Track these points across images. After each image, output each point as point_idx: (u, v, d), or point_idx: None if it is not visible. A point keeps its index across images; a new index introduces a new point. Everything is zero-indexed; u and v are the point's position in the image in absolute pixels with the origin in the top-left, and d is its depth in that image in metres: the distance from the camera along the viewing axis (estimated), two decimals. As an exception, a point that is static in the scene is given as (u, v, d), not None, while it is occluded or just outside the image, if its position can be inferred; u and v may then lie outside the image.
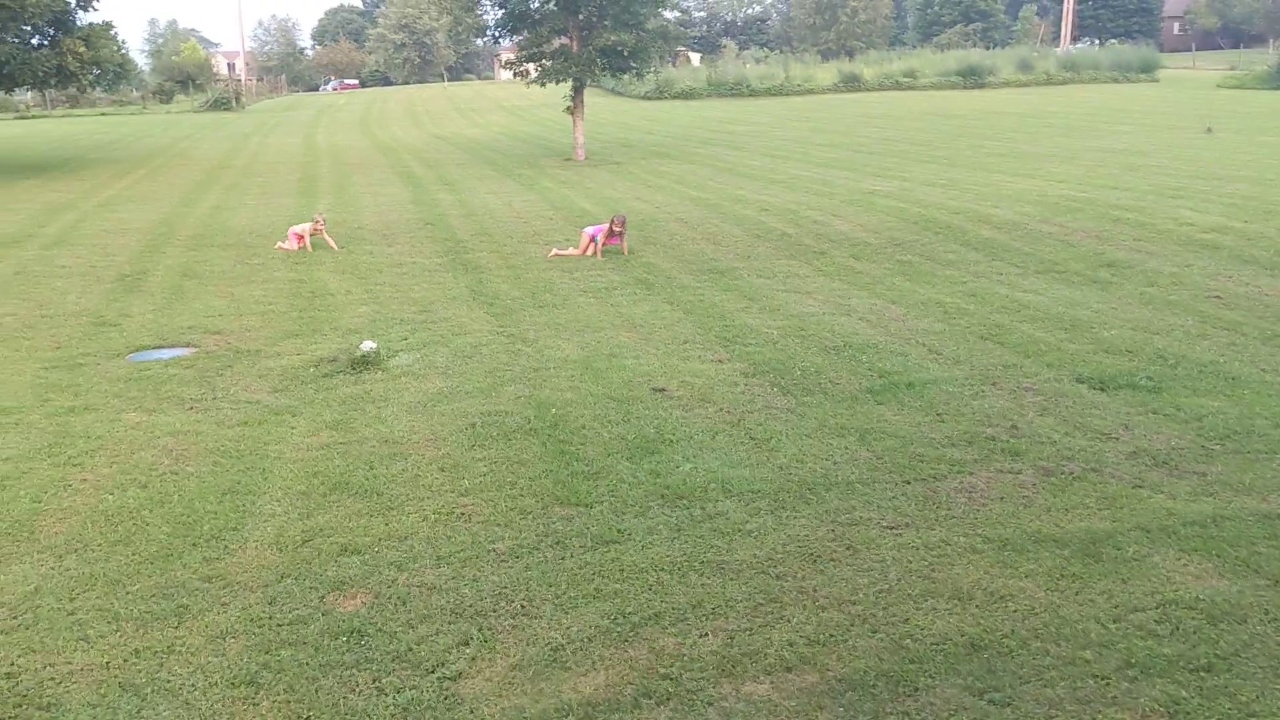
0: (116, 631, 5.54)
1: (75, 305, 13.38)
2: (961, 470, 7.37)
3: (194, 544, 6.51)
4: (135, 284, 14.60)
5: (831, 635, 5.29)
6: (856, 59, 72.45)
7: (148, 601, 5.84)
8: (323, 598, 5.83)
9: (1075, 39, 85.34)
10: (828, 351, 10.40)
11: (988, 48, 78.16)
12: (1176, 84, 57.32)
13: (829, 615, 5.48)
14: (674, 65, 70.28)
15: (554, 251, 15.90)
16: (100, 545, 6.55)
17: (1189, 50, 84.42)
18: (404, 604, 5.72)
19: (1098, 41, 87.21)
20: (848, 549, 6.23)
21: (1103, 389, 9.04)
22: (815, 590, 5.74)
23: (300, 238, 16.90)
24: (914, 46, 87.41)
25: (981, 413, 8.53)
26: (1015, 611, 5.44)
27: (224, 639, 5.44)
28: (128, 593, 5.95)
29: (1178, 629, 5.23)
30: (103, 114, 64.26)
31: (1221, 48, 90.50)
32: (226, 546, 6.48)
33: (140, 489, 7.40)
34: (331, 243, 17.03)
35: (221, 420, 8.86)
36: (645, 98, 56.66)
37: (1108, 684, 4.84)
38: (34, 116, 62.61)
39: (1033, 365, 9.78)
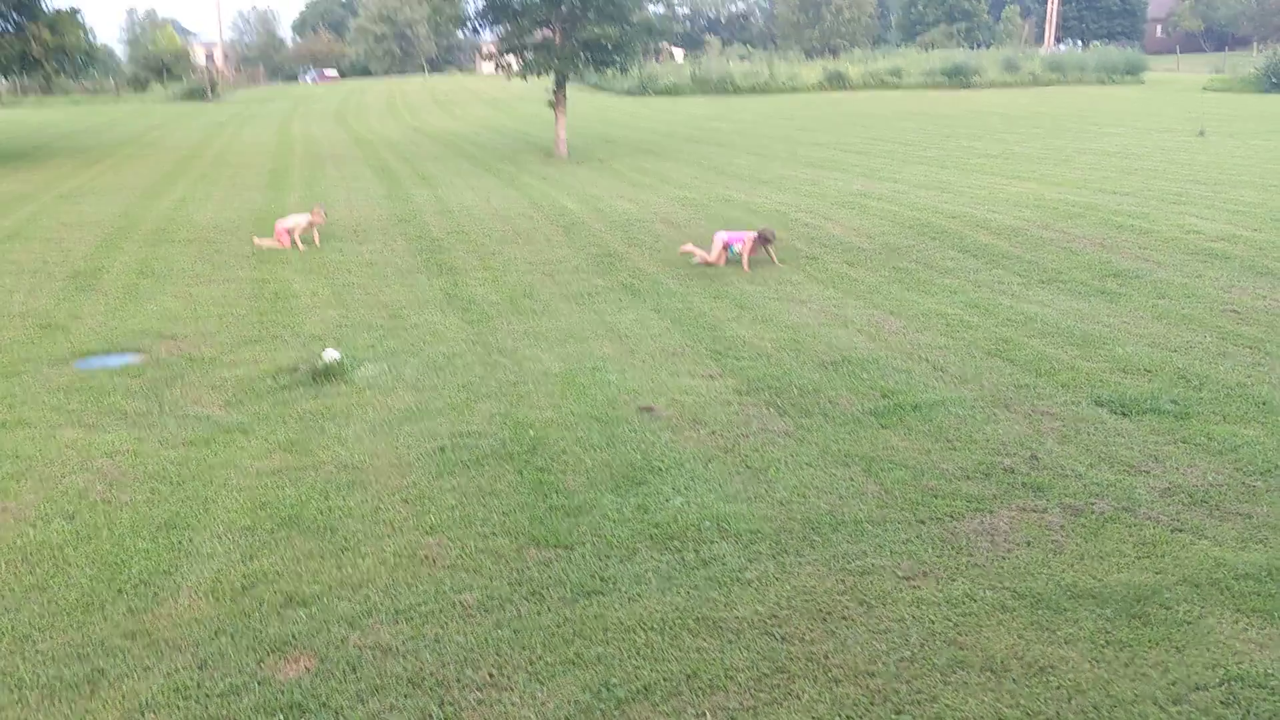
0: (18, 702, 4.77)
1: (22, 306, 12.52)
2: (980, 508, 6.67)
3: (119, 591, 5.73)
4: (88, 283, 13.74)
5: (849, 717, 4.57)
6: (841, 57, 71.85)
7: (59, 664, 5.06)
8: (260, 661, 5.06)
9: (1059, 40, 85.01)
10: (825, 367, 9.69)
11: (972, 48, 77.71)
12: (1162, 86, 56.94)
13: (845, 691, 4.75)
14: (658, 61, 69.54)
15: (688, 248, 14.42)
16: (13, 591, 5.77)
17: (1172, 53, 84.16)
18: (354, 670, 4.96)
19: (1081, 43, 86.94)
20: (861, 604, 5.51)
21: (1125, 414, 8.35)
22: (827, 658, 5.02)
23: (289, 232, 15.92)
24: (898, 45, 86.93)
25: (996, 440, 7.83)
26: (1059, 689, 4.73)
27: (143, 714, 4.67)
28: (37, 652, 5.18)
29: (1249, 714, 4.53)
30: (75, 103, 62.93)
31: (1204, 50, 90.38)
32: (156, 594, 5.70)
33: (66, 521, 6.62)
34: (316, 238, 16.17)
35: (165, 439, 8.07)
36: (628, 93, 55.82)
37: (1174, 784, 4.15)
38: (3, 105, 61.23)
39: (1047, 386, 9.09)
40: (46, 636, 5.31)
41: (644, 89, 55.70)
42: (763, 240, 14.24)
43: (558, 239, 16.51)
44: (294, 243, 15.82)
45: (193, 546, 6.25)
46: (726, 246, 14.17)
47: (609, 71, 31.05)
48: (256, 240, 16.06)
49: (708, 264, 14.18)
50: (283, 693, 4.79)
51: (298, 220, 16.09)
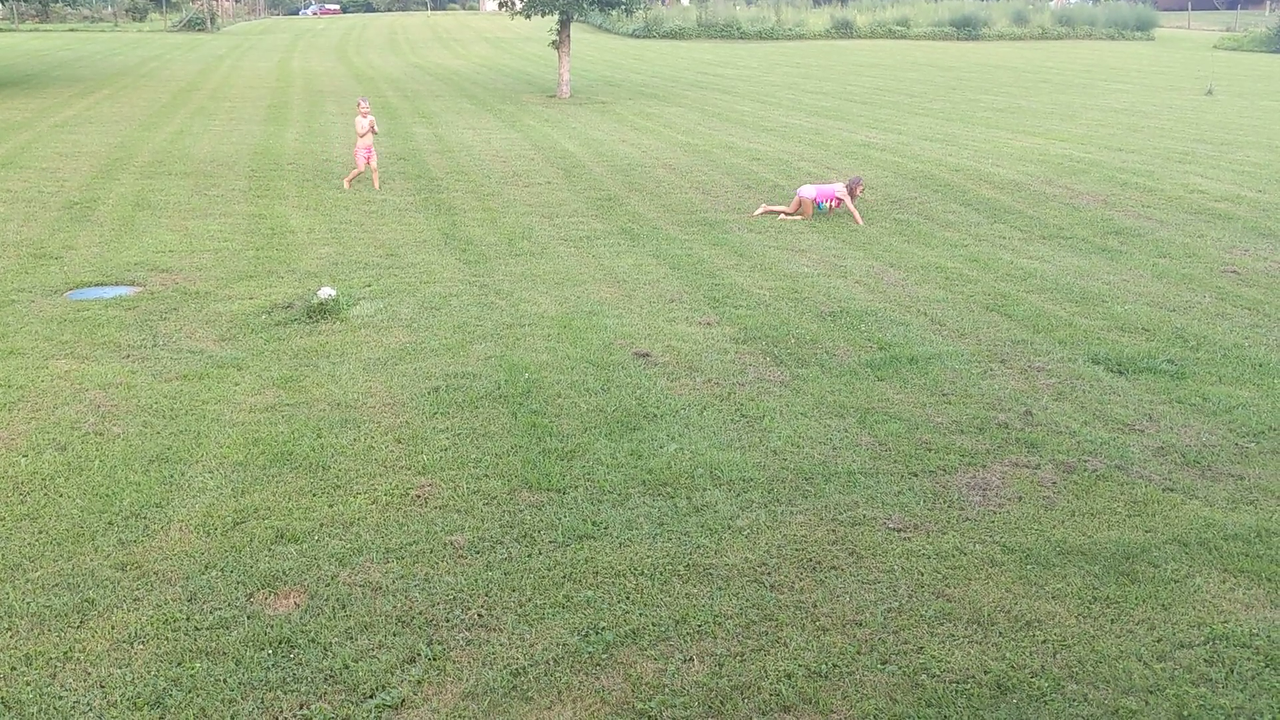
0: (8, 630, 4.79)
1: (15, 235, 12.43)
2: (973, 462, 6.67)
3: (110, 522, 5.73)
4: (83, 213, 13.64)
5: (835, 666, 4.59)
6: (849, 4, 70.91)
7: (49, 593, 5.07)
8: (250, 595, 5.07)
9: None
10: (823, 318, 9.65)
11: (982, -1, 76.66)
12: (1172, 43, 56.33)
13: (832, 639, 4.77)
14: (663, 4, 68.67)
15: (763, 209, 14.18)
16: (4, 520, 5.77)
17: (1183, 10, 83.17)
18: (343, 607, 4.97)
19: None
20: (851, 555, 5.52)
21: (1121, 372, 8.33)
22: (815, 606, 5.03)
23: (367, 152, 15.41)
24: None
25: (992, 395, 7.82)
26: (1045, 643, 4.76)
27: (132, 644, 4.69)
28: (28, 580, 5.19)
29: (1232, 673, 4.55)
30: (72, 30, 62.08)
31: (1217, 8, 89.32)
32: (147, 527, 5.70)
33: (58, 452, 6.61)
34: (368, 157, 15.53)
35: (159, 372, 8.04)
36: (633, 35, 55.20)
37: (1156, 739, 4.18)
38: (1, 30, 60.44)
39: (1044, 342, 9.07)
40: (37, 566, 5.31)
41: (649, 32, 55.06)
42: (851, 189, 14.08)
43: (558, 181, 16.39)
44: (365, 161, 15.45)
45: (184, 480, 6.25)
46: (815, 203, 13.94)
47: (614, 13, 30.69)
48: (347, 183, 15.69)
49: (788, 215, 13.93)
50: (272, 627, 4.80)
51: (360, 125, 15.39)
